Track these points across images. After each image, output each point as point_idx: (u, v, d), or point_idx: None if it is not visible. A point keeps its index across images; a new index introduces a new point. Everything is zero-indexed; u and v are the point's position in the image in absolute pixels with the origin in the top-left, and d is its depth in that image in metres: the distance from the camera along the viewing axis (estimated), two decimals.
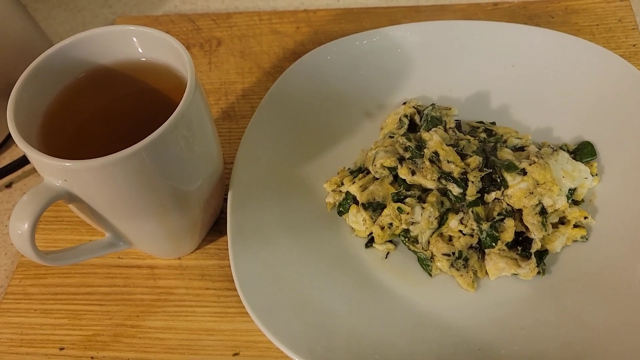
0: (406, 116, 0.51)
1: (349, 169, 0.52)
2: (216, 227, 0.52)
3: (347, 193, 0.49)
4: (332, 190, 0.50)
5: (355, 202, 0.48)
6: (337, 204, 0.50)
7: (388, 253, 0.48)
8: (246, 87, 0.62)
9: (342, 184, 0.50)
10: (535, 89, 0.53)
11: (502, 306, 0.44)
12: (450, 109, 0.53)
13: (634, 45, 0.58)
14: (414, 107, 0.52)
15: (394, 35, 0.56)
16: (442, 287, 0.46)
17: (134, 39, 0.44)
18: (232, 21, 0.67)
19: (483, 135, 0.50)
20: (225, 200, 0.48)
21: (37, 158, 0.37)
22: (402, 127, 0.51)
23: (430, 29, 0.55)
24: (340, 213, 0.50)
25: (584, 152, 0.49)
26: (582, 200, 0.48)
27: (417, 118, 0.52)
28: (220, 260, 0.50)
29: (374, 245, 0.48)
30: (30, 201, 0.38)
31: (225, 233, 0.47)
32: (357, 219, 0.48)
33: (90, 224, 0.44)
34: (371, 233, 0.48)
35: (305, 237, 0.48)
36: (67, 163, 0.37)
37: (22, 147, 0.37)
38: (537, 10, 0.62)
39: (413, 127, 0.52)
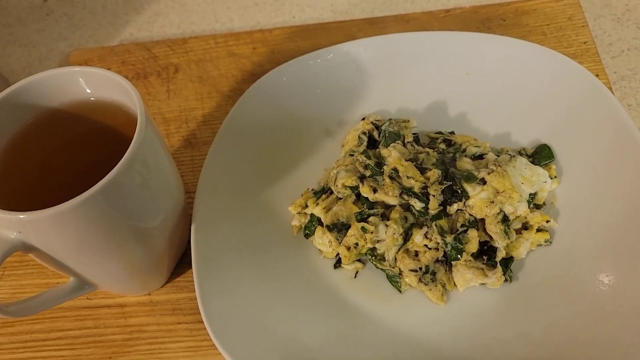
0: (365, 133, 0.51)
1: (312, 189, 0.52)
2: (184, 259, 0.51)
3: (312, 215, 0.49)
4: (297, 213, 0.50)
5: (321, 223, 0.48)
6: (303, 226, 0.50)
7: (357, 272, 0.48)
8: (206, 112, 0.61)
9: (307, 205, 0.50)
10: (491, 95, 0.53)
11: (473, 317, 0.44)
12: (408, 121, 0.53)
13: (584, 43, 0.59)
14: (372, 122, 0.52)
15: (348, 51, 0.56)
16: (413, 302, 0.46)
17: (80, 80, 0.43)
18: (188, 46, 0.67)
19: (442, 146, 0.51)
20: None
21: None
22: (361, 144, 0.51)
23: (382, 42, 0.55)
24: (307, 236, 0.49)
25: (541, 155, 0.49)
26: (544, 204, 0.48)
27: (375, 134, 0.52)
28: (191, 293, 0.49)
29: (342, 265, 0.48)
30: None
31: None
32: (323, 240, 0.48)
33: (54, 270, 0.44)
34: (339, 254, 0.48)
35: (274, 263, 0.48)
36: (21, 215, 0.36)
37: None
38: (488, 14, 0.63)
39: (373, 143, 0.52)
